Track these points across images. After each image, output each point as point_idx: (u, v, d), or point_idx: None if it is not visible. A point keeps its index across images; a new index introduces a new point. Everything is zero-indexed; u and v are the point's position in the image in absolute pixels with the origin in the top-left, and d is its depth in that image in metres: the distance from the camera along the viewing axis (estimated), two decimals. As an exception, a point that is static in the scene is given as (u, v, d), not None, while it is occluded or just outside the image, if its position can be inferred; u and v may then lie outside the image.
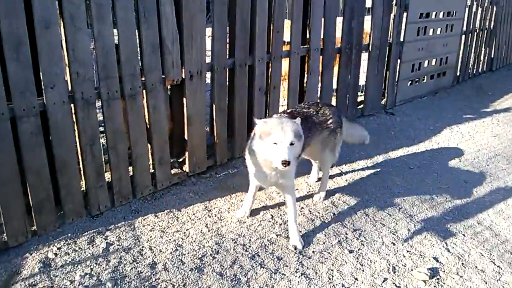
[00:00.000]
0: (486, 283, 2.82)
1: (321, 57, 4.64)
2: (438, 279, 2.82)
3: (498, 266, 2.97)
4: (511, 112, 6.09)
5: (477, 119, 5.70)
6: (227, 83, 3.89)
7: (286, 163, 2.61)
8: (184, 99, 3.56)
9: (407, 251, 3.06)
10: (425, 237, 3.21)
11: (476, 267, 2.95)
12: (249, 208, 3.37)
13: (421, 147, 4.74)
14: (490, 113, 5.98)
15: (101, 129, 3.23)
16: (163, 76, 3.37)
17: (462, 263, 2.98)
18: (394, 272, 2.84)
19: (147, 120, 3.38)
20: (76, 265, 2.76)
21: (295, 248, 3.02)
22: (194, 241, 3.03)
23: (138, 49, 3.19)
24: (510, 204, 3.72)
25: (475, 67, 7.70)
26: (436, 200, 3.71)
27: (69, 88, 2.92)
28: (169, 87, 3.68)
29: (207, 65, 3.66)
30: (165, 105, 3.48)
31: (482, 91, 6.97)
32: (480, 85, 7.24)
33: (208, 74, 3.74)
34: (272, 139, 2.67)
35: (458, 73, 7.17)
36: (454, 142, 4.95)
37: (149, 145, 3.45)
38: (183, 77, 3.48)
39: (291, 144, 2.67)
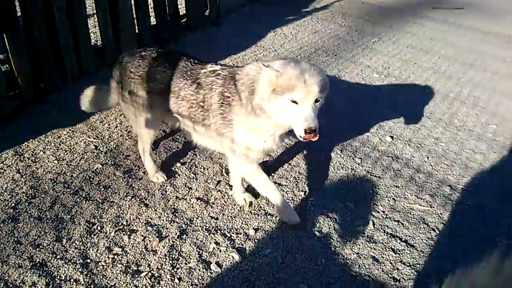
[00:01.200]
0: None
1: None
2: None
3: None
4: (329, 9, 6.40)
5: (298, 19, 5.87)
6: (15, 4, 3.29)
7: (312, 132, 1.95)
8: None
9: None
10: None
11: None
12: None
13: (247, 52, 4.73)
14: (310, 12, 6.21)
15: None
16: None
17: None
18: (227, 174, 2.82)
19: None
20: None
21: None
22: (4, 191, 2.62)
23: None
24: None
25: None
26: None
27: None
28: None
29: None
30: None
31: (302, -7, 7.17)
32: (300, -12, 7.43)
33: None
34: (291, 95, 1.96)
35: (278, -22, 7.23)
36: (278, 43, 5.04)
37: None
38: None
39: (316, 101, 2.00)
